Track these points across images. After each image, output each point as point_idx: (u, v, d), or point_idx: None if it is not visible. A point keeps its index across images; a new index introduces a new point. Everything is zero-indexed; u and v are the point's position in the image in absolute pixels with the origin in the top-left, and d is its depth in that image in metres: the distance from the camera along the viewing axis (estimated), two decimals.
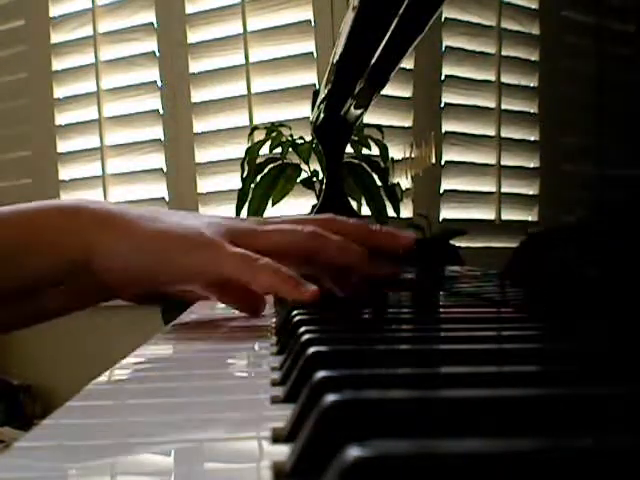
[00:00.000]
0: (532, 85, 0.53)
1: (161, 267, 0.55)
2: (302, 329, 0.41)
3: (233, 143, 2.16)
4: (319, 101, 1.08)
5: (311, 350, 0.32)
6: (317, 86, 2.01)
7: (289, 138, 1.74)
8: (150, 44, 2.31)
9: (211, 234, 0.55)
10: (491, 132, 0.61)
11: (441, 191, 0.73)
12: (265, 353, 0.46)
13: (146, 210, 0.58)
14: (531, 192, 0.53)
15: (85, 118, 2.41)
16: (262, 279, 0.53)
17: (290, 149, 1.71)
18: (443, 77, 0.72)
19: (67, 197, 2.41)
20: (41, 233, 0.57)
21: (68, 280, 0.60)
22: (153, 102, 2.31)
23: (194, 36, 2.25)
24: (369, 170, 1.06)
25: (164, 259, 0.55)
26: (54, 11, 2.45)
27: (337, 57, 0.88)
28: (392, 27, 0.72)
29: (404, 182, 0.88)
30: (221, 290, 0.62)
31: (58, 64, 2.45)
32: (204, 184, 2.24)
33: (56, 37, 2.45)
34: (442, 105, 0.72)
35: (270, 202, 1.69)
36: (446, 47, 0.71)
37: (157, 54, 2.31)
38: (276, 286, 0.53)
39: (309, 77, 2.08)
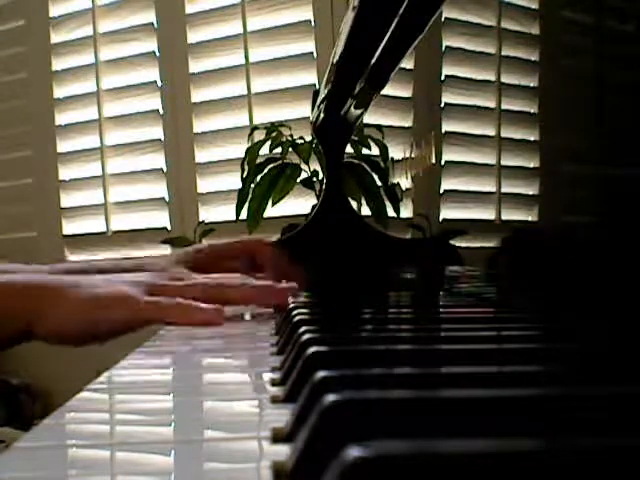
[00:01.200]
0: (532, 85, 0.53)
1: (92, 325, 0.66)
2: (302, 329, 0.41)
3: (233, 143, 2.16)
4: (319, 101, 1.08)
5: (311, 350, 0.32)
6: (317, 86, 2.01)
7: (289, 138, 1.73)
8: (150, 44, 2.31)
9: (130, 291, 0.66)
10: (491, 132, 0.60)
11: (441, 191, 0.72)
12: (265, 353, 0.46)
13: (71, 279, 0.69)
14: (531, 192, 0.53)
15: (85, 118, 2.40)
16: (172, 314, 0.65)
17: (290, 149, 1.71)
18: (443, 77, 0.72)
19: (67, 197, 2.42)
20: None
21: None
22: (153, 102, 2.31)
23: (194, 36, 2.24)
24: (369, 170, 1.06)
25: (94, 317, 0.66)
26: (54, 11, 2.45)
27: (337, 57, 0.88)
28: (392, 27, 0.72)
29: (404, 182, 0.88)
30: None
31: (58, 64, 2.45)
32: (204, 184, 2.24)
33: (56, 37, 2.45)
34: (442, 105, 0.72)
35: (270, 202, 1.69)
36: (446, 47, 0.71)
37: (157, 54, 2.31)
38: (182, 319, 0.64)
39: (309, 77, 2.08)
